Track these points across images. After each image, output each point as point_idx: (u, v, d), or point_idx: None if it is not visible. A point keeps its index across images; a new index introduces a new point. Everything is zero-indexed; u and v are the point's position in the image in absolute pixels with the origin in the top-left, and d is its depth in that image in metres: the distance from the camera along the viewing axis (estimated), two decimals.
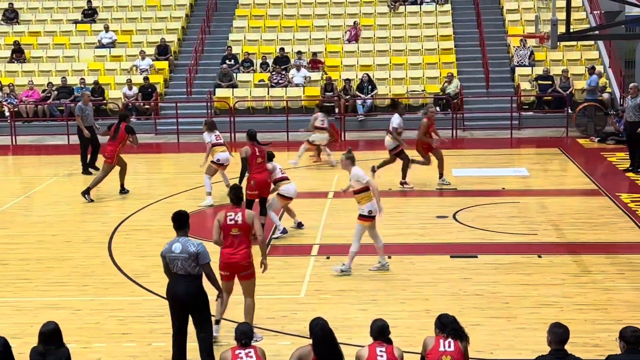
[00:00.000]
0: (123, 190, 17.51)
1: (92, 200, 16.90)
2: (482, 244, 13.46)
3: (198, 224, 13.80)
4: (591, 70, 25.25)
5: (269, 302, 9.74)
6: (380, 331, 7.12)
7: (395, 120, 17.17)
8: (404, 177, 17.33)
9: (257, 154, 13.70)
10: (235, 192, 9.63)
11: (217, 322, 9.51)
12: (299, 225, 14.34)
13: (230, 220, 9.34)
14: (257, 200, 13.74)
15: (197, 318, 8.68)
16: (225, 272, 9.42)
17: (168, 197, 17.18)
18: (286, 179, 13.95)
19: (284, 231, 13.95)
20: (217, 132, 16.70)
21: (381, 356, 6.91)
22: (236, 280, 9.49)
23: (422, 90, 26.47)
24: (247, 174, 13.97)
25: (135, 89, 26.61)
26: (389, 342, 7.13)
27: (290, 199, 13.95)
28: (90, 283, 11.90)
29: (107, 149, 17.25)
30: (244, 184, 13.38)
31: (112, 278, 12.08)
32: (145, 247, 13.49)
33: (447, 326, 7.06)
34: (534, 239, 13.70)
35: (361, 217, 11.77)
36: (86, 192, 16.99)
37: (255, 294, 9.58)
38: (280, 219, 14.09)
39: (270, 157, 13.96)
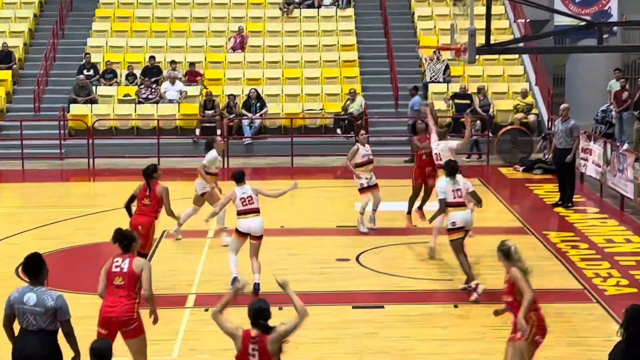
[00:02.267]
0: None
1: None
2: (390, 292, 13.62)
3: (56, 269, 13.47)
4: (413, 91, 25.78)
5: None
6: None
7: None
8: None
9: (147, 194, 13.26)
10: (117, 238, 9.55)
11: None
12: (255, 287, 13.22)
13: (116, 267, 9.36)
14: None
15: None
16: (103, 329, 9.27)
17: (10, 236, 16.84)
18: (245, 213, 13.25)
19: (235, 280, 13.10)
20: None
21: None
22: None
23: (321, 109, 26.73)
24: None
25: None
26: None
27: (243, 234, 13.29)
28: None
29: None
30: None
31: None
32: None
33: None
34: (450, 285, 13.93)
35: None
36: None
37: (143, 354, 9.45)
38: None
39: (238, 179, 13.44)
